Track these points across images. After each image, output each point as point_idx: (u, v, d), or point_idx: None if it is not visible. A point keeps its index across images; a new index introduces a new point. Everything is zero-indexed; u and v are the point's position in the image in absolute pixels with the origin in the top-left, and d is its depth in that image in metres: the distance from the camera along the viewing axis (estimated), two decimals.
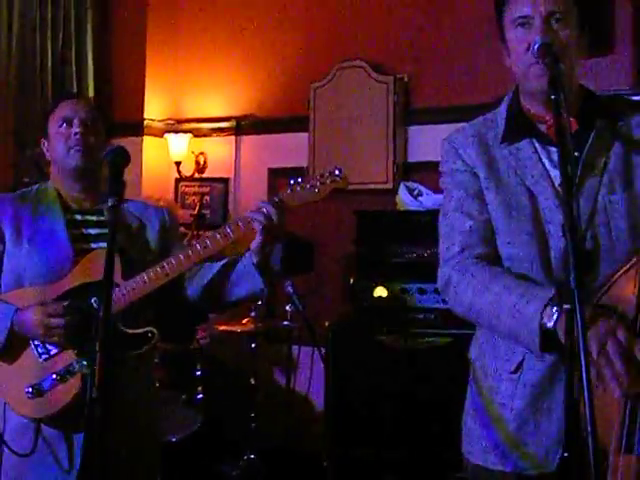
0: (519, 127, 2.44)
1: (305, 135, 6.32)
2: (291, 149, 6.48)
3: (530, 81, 2.35)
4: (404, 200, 5.34)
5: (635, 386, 1.92)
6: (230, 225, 2.85)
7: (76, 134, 3.01)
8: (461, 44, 5.89)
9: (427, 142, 5.96)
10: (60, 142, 3.03)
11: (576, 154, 2.33)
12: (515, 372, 2.36)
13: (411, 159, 6.07)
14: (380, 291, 4.94)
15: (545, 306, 2.06)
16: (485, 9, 5.60)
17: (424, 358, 4.72)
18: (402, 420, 4.73)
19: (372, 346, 4.81)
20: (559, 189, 2.32)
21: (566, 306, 1.79)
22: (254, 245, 2.81)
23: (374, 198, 5.95)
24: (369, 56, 6.18)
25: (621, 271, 2.09)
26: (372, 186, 5.99)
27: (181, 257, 2.85)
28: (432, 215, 5.00)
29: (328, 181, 2.82)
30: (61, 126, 3.04)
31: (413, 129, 6.10)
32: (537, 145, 2.40)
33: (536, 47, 2.20)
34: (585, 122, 2.36)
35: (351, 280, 5.03)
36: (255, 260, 2.84)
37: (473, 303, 2.32)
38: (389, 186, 5.90)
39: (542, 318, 2.06)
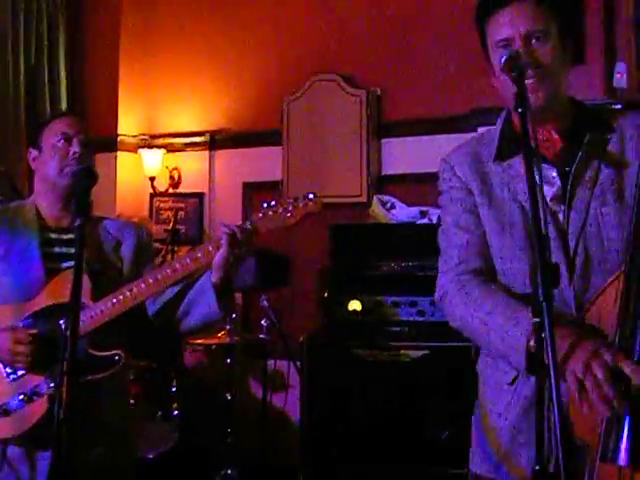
0: (511, 144, 2.47)
1: (279, 149, 6.33)
2: (265, 163, 6.48)
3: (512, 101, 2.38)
4: (377, 213, 5.35)
5: (621, 405, 1.93)
6: (201, 249, 2.84)
7: (75, 154, 2.96)
8: (433, 57, 5.91)
9: (400, 155, 5.99)
10: (55, 158, 2.98)
11: (567, 168, 2.38)
12: (512, 384, 2.39)
13: (385, 172, 6.09)
14: (354, 304, 4.93)
15: (531, 331, 2.05)
16: (457, 22, 5.67)
17: (399, 371, 4.71)
18: (378, 433, 4.72)
19: (347, 359, 4.80)
20: (551, 205, 2.36)
21: (535, 319, 1.81)
22: (216, 261, 2.80)
23: (348, 211, 5.96)
24: (342, 69, 6.21)
25: (606, 284, 2.13)
26: (346, 199, 6.02)
27: (150, 281, 2.83)
28: (405, 228, 5.08)
29: (301, 205, 2.81)
30: (59, 141, 2.99)
31: (386, 142, 6.13)
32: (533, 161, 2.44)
33: (502, 60, 2.21)
34: (576, 135, 2.41)
35: (325, 294, 5.02)
36: (214, 278, 2.82)
37: (465, 318, 2.38)
38: (363, 199, 5.92)
39: (529, 341, 2.08)
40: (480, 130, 5.36)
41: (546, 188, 2.35)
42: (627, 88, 5.14)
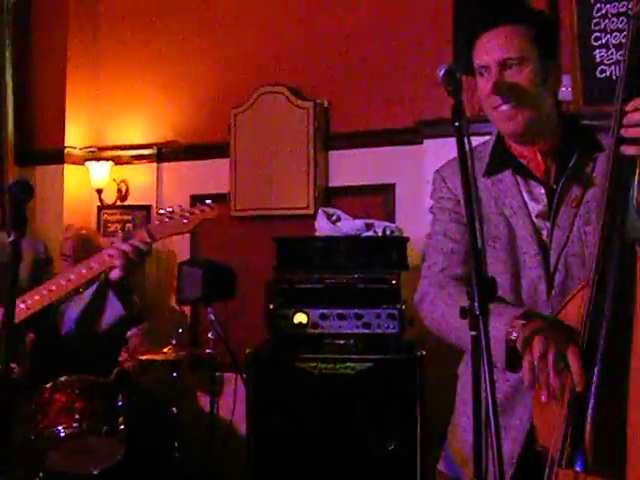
0: (502, 160, 2.57)
1: (227, 161, 6.31)
2: (213, 175, 6.46)
3: (497, 125, 2.51)
4: (322, 226, 5.35)
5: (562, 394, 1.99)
6: (96, 259, 2.85)
7: None
8: (380, 69, 5.93)
9: (347, 167, 5.99)
10: None
11: (554, 187, 2.46)
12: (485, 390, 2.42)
13: (332, 184, 6.10)
14: (300, 317, 4.92)
15: (512, 325, 2.14)
16: (405, 35, 5.70)
17: (344, 384, 4.71)
18: (323, 446, 4.72)
19: (292, 372, 4.79)
20: (536, 221, 2.45)
21: (472, 333, 1.82)
22: (113, 276, 2.82)
23: (296, 223, 5.97)
24: (289, 81, 6.20)
25: (574, 292, 2.17)
26: (293, 212, 6.03)
27: (44, 292, 2.83)
28: (350, 241, 5.08)
29: (198, 211, 2.85)
30: None
31: (333, 154, 6.13)
32: (518, 178, 2.52)
33: (441, 74, 2.23)
34: (564, 153, 2.47)
35: (271, 306, 5.01)
36: (114, 290, 2.84)
37: (445, 316, 2.44)
38: (310, 211, 5.91)
39: (509, 333, 2.13)
40: (426, 143, 5.41)
41: (533, 205, 2.47)
42: (572, 101, 5.18)
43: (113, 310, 2.91)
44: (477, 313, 1.82)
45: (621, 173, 2.06)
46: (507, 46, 2.39)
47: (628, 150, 2.06)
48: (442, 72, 2.23)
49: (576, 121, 2.61)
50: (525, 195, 2.44)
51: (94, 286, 2.98)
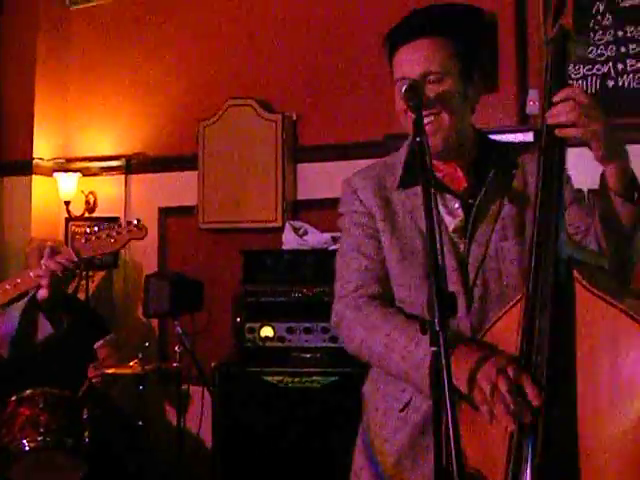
0: (416, 172, 2.38)
1: (195, 173, 6.30)
2: (181, 187, 6.45)
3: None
4: (289, 239, 5.35)
5: (526, 417, 1.94)
6: (22, 275, 2.85)
7: None
8: (349, 82, 5.94)
9: (315, 180, 6.00)
10: None
11: (470, 201, 2.41)
12: (402, 410, 2.41)
13: (300, 197, 6.10)
14: (267, 331, 4.93)
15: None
16: (372, 48, 5.73)
17: (311, 397, 4.71)
18: (290, 459, 4.71)
19: (258, 386, 4.78)
20: (453, 235, 2.39)
21: (433, 348, 1.80)
22: (40, 296, 2.82)
23: (264, 236, 5.97)
24: (257, 94, 6.20)
25: (505, 309, 2.14)
26: (261, 224, 6.03)
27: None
28: (317, 254, 5.09)
29: (125, 231, 2.86)
30: None
31: (302, 167, 6.14)
32: (433, 190, 2.42)
33: (403, 89, 2.25)
34: (480, 169, 2.44)
35: (238, 319, 5.01)
36: (42, 310, 2.85)
37: (365, 341, 2.36)
38: (278, 224, 5.90)
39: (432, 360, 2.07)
40: None
41: (449, 219, 2.41)
42: (540, 115, 5.22)
43: (43, 330, 2.91)
44: (437, 329, 1.80)
45: (552, 188, 2.06)
46: (428, 59, 2.34)
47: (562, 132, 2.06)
48: (405, 88, 2.26)
49: (490, 139, 2.58)
50: (441, 209, 2.36)
51: (22, 305, 2.98)
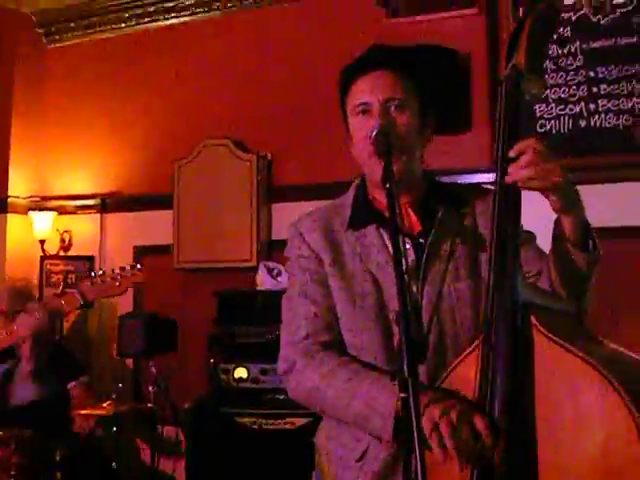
0: (365, 213, 2.45)
1: (170, 212, 6.32)
2: (156, 227, 6.45)
3: (370, 170, 2.39)
4: (263, 280, 5.36)
5: (478, 461, 1.93)
6: (8, 328, 2.86)
7: None
8: (325, 121, 5.92)
9: (291, 220, 5.97)
10: None
11: (421, 241, 2.37)
12: (359, 460, 2.33)
13: (275, 237, 6.11)
14: (240, 372, 4.93)
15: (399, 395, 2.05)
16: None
17: (285, 439, 4.70)
18: None
19: (232, 428, 4.78)
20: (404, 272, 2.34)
21: (402, 394, 1.79)
22: (24, 353, 2.81)
23: (238, 276, 5.96)
24: (232, 134, 6.24)
25: (463, 355, 2.11)
26: (236, 264, 6.03)
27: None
28: None
29: (129, 275, 2.86)
30: None
31: (277, 207, 6.15)
32: (382, 232, 2.40)
33: (373, 134, 2.25)
34: (430, 209, 2.41)
35: (212, 360, 5.01)
36: (29, 368, 2.84)
37: (320, 388, 2.30)
38: (253, 264, 5.91)
39: (397, 406, 2.05)
40: None
41: None
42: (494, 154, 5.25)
43: (23, 392, 2.92)
44: (406, 376, 1.78)
45: (506, 232, 2.06)
46: (392, 87, 2.34)
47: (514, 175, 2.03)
48: (374, 133, 2.25)
49: (436, 179, 2.56)
50: (391, 249, 2.22)
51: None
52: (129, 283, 2.88)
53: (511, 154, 2.03)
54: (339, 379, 2.26)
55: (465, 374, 2.07)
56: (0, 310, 5.49)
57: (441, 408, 1.97)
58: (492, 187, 2.17)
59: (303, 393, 2.38)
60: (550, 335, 1.93)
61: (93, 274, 2.85)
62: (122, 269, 2.89)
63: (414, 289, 2.32)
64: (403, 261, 2.10)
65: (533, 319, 1.97)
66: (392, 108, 2.33)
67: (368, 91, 2.37)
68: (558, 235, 2.13)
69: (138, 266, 2.91)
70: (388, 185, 2.07)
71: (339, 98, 2.52)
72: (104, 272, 2.85)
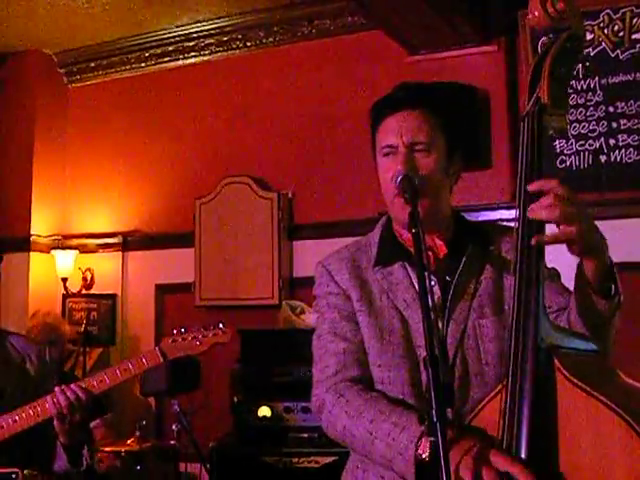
0: (392, 251, 2.46)
1: (191, 250, 6.35)
2: (178, 265, 6.50)
3: (395, 212, 2.39)
4: (286, 318, 5.37)
5: None
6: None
7: None
8: (344, 159, 6.00)
9: (311, 257, 5.98)
10: None
11: (447, 278, 2.37)
12: None
13: (296, 274, 6.13)
14: (264, 410, 4.93)
15: (419, 437, 2.03)
16: (365, 127, 5.78)
17: (309, 477, 4.69)
18: None
19: (255, 466, 4.77)
20: (431, 314, 2.35)
21: (431, 438, 1.79)
22: (56, 425, 2.82)
23: (260, 314, 5.99)
24: (253, 172, 6.29)
25: (487, 398, 2.10)
26: (258, 302, 6.06)
27: (49, 400, 2.84)
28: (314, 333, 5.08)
29: (211, 335, 2.86)
30: None
31: (298, 244, 6.19)
32: (409, 269, 2.40)
33: (398, 179, 2.25)
34: (457, 247, 2.41)
35: (235, 399, 5.01)
36: (61, 438, 2.86)
37: (347, 428, 2.28)
38: (275, 301, 5.94)
39: (416, 449, 2.03)
40: None
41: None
42: (515, 192, 5.24)
43: (61, 461, 2.93)
44: (434, 420, 1.79)
45: (530, 272, 2.04)
46: (417, 129, 2.33)
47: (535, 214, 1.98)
48: (399, 179, 2.24)
49: (465, 218, 2.56)
50: (417, 287, 2.23)
51: None
52: (211, 342, 2.88)
53: (530, 188, 2.00)
54: (365, 419, 2.24)
55: (489, 418, 2.07)
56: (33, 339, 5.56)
57: (461, 451, 1.95)
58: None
59: (334, 432, 2.36)
60: (573, 379, 1.91)
61: (174, 332, 2.85)
62: (205, 328, 2.88)
63: (439, 325, 2.31)
64: (429, 300, 2.09)
65: (557, 362, 1.95)
66: (417, 150, 2.33)
67: (394, 133, 2.36)
68: (579, 278, 2.13)
69: (221, 325, 2.90)
70: (414, 230, 2.07)
71: (370, 136, 2.51)
72: (186, 330, 2.86)
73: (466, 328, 2.34)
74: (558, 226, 1.98)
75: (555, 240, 2.00)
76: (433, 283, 2.33)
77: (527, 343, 1.98)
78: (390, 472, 2.24)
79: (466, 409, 2.20)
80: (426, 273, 2.04)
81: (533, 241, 2.00)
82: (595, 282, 2.08)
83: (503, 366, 2.07)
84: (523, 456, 1.92)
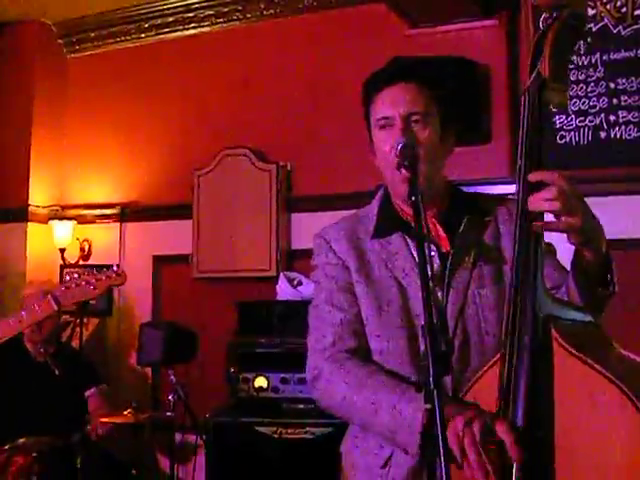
0: (390, 222, 2.48)
1: (189, 222, 6.33)
2: (176, 236, 6.48)
3: (395, 185, 2.42)
4: (283, 289, 5.37)
5: (501, 473, 1.92)
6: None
7: None
8: (343, 132, 5.97)
9: (310, 229, 5.96)
10: None
11: (445, 250, 2.40)
12: (384, 467, 2.34)
13: (294, 246, 6.13)
14: (260, 381, 4.94)
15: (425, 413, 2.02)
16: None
17: (305, 448, 4.70)
18: None
19: (252, 437, 4.78)
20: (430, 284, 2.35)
21: (427, 405, 1.79)
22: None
23: (257, 285, 5.99)
24: (252, 144, 6.25)
25: (485, 367, 2.11)
26: (255, 274, 6.05)
27: None
28: None
29: (104, 277, 2.85)
30: None
31: (296, 216, 6.18)
32: (407, 239, 2.43)
33: (399, 147, 2.25)
34: (453, 219, 2.44)
35: (231, 370, 5.02)
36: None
37: (348, 398, 2.30)
38: (272, 273, 5.92)
39: (424, 418, 2.04)
40: None
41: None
42: (513, 165, 5.24)
43: None
44: (432, 387, 1.79)
45: (528, 247, 2.04)
46: (412, 101, 2.36)
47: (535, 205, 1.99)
48: (400, 146, 2.25)
49: (460, 189, 2.59)
50: (416, 256, 2.29)
51: None
52: (105, 285, 2.86)
53: (531, 178, 2.00)
54: (367, 389, 2.27)
55: (487, 386, 2.07)
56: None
57: (464, 420, 1.97)
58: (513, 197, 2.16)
59: (331, 402, 2.39)
60: (571, 349, 1.92)
61: (67, 278, 2.84)
62: (97, 272, 2.87)
63: (439, 295, 2.35)
64: (428, 268, 2.10)
65: (554, 332, 1.96)
66: (414, 122, 2.36)
67: (390, 105, 2.38)
68: (576, 265, 2.14)
69: (114, 267, 2.89)
70: (413, 198, 2.08)
71: (363, 110, 2.52)
72: (79, 275, 2.84)
73: (466, 297, 2.36)
74: (558, 217, 1.99)
75: (556, 230, 2.01)
76: (433, 253, 2.36)
77: (525, 313, 2.00)
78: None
79: (466, 377, 2.23)
80: (425, 243, 2.06)
81: (534, 228, 2.00)
82: (591, 272, 2.10)
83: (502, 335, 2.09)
84: (520, 424, 1.95)
